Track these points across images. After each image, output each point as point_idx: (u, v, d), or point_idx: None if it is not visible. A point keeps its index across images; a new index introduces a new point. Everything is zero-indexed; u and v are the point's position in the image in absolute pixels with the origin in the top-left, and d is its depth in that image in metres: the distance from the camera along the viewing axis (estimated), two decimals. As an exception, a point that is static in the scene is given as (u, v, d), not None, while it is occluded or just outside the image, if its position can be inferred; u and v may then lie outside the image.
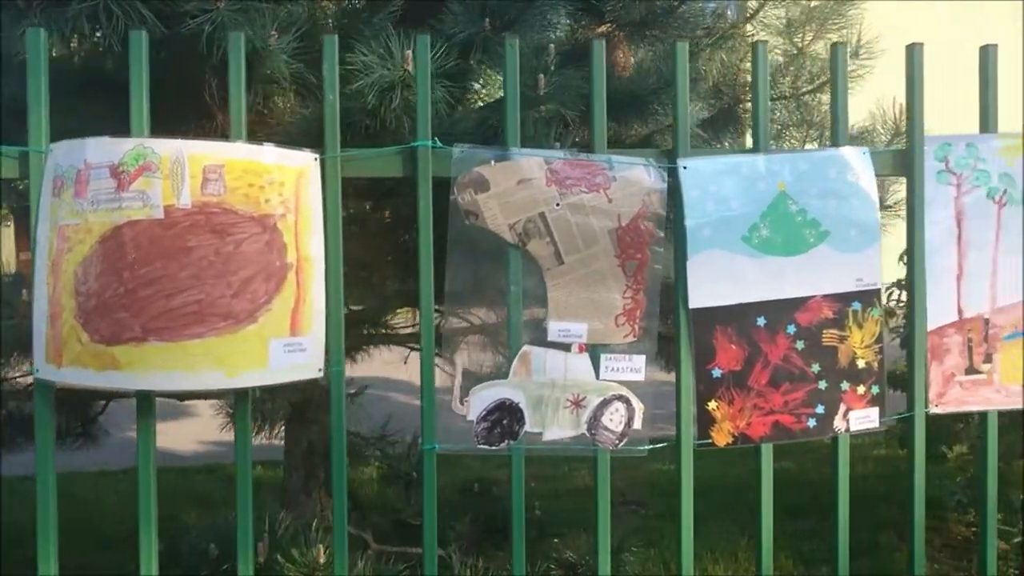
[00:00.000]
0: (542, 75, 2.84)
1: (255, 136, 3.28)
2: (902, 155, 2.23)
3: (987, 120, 2.26)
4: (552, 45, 3.31)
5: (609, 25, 4.17)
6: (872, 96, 3.73)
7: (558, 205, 2.04)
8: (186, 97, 2.99)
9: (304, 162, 1.94)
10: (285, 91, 3.20)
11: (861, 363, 2.18)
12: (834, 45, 2.27)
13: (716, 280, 2.10)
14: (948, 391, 2.23)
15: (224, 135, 2.28)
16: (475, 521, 4.06)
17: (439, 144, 2.03)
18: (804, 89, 4.23)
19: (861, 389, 2.18)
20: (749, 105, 4.40)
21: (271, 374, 1.88)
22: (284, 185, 1.88)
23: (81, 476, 4.95)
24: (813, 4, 4.55)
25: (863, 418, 2.19)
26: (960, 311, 2.22)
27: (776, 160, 2.13)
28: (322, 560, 2.59)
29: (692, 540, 2.15)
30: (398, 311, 4.02)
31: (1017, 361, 2.25)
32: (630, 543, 3.54)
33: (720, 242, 2.10)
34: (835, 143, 2.18)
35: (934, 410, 2.23)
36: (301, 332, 1.91)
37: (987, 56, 2.27)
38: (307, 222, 1.93)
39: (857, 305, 2.16)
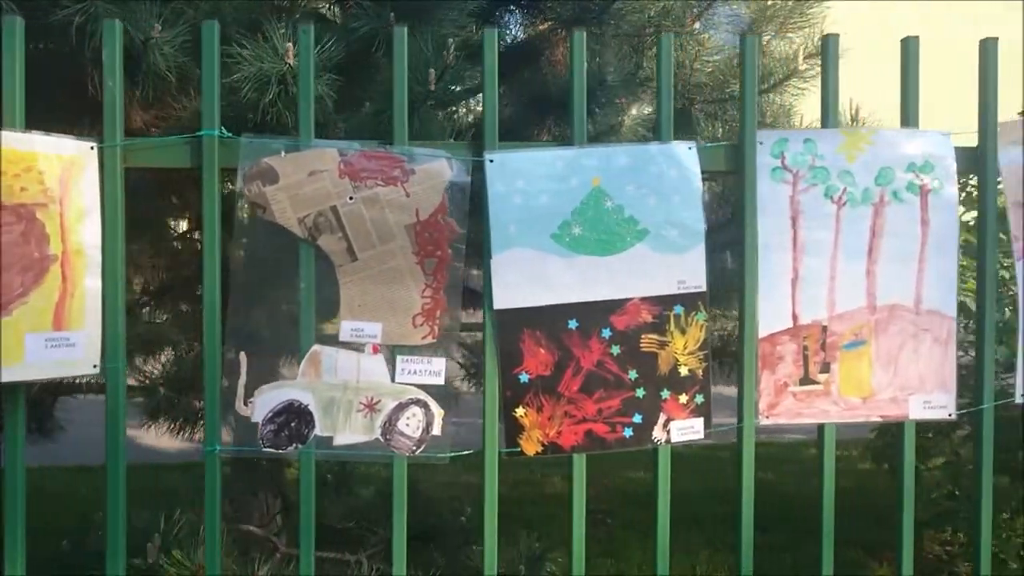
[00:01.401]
0: (432, 70, 2.76)
1: (154, 130, 3.23)
2: (734, 150, 2.10)
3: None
4: (451, 40, 3.23)
5: (551, 22, 4.08)
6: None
7: (351, 199, 1.94)
8: (74, 91, 2.95)
9: (76, 151, 1.86)
10: (173, 85, 3.15)
11: (684, 370, 2.05)
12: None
13: (523, 280, 1.99)
14: (781, 402, 2.10)
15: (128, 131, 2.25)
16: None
17: (226, 133, 1.95)
18: (760, 88, 4.10)
19: (684, 398, 2.06)
20: (705, 106, 4.28)
21: (29, 369, 1.80)
22: (46, 174, 1.80)
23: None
24: (770, 2, 4.43)
25: (686, 429, 2.07)
26: (795, 317, 2.09)
27: (592, 154, 2.02)
28: (203, 562, 2.52)
29: (495, 551, 2.04)
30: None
31: (857, 371, 2.11)
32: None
33: (528, 240, 1.99)
34: (658, 136, 2.06)
35: (764, 422, 2.10)
36: (68, 327, 1.83)
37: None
38: (77, 213, 1.85)
39: (679, 309, 2.04)
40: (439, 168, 1.97)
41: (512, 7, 4.04)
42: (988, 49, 2.16)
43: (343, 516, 3.91)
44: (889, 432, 3.99)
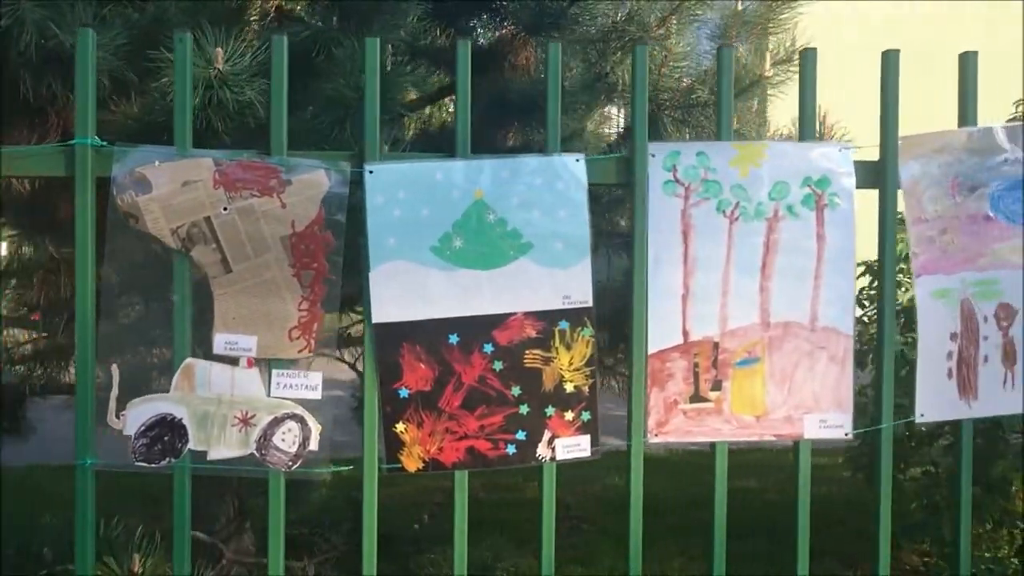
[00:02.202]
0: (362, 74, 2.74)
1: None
2: (625, 162, 2.06)
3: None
4: (389, 45, 3.20)
5: (513, 27, 4.05)
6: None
7: (226, 209, 1.91)
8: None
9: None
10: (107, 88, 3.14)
11: (570, 387, 2.01)
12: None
13: (402, 293, 1.95)
14: (670, 420, 2.06)
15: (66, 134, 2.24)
16: (354, 533, 3.95)
17: (100, 142, 1.92)
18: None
19: (569, 415, 2.02)
20: (673, 112, 4.24)
21: None
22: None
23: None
24: (741, 6, 4.39)
25: (572, 447, 2.03)
26: (686, 333, 2.05)
27: (475, 166, 1.98)
28: (137, 569, 2.50)
29: (375, 560, 2.01)
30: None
31: (750, 389, 2.07)
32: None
33: (407, 253, 1.95)
34: (547, 148, 2.03)
35: (653, 440, 2.06)
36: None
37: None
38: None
39: (565, 324, 2.00)
40: (317, 179, 1.94)
41: (471, 12, 4.01)
42: (890, 61, 2.12)
43: (297, 522, 3.88)
44: (866, 440, 3.94)
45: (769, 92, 4.40)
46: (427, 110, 4.81)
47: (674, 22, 4.27)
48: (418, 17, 3.55)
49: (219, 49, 2.28)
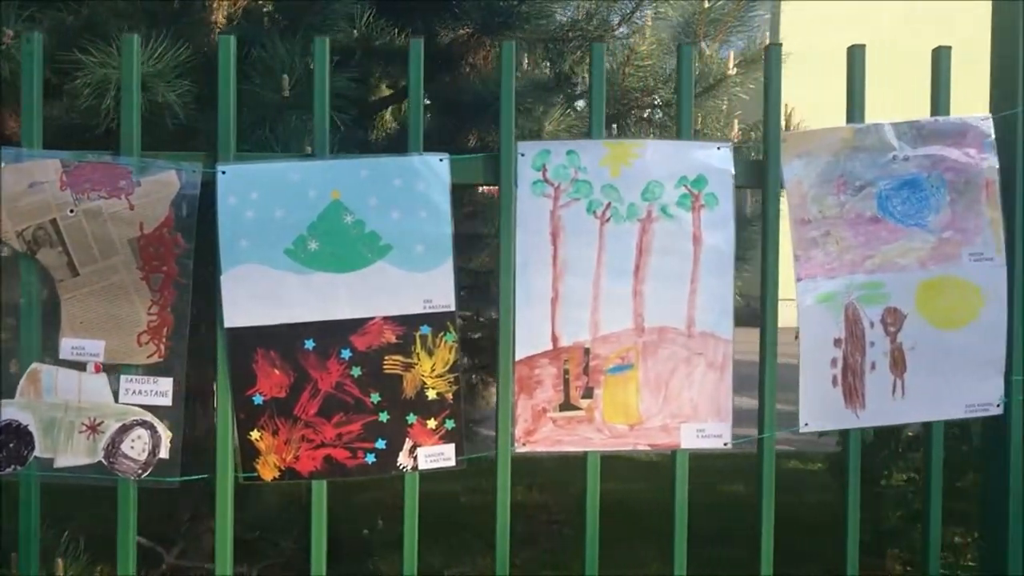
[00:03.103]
0: (286, 75, 2.69)
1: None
2: (494, 161, 2.00)
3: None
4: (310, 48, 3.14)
5: (468, 27, 3.99)
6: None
7: (72, 211, 1.87)
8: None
9: None
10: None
11: (432, 394, 1.95)
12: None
13: (255, 297, 1.90)
14: (539, 428, 1.98)
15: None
16: (302, 537, 3.90)
17: (-53, 143, 1.88)
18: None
19: (432, 423, 1.95)
20: (637, 111, 4.17)
21: None
22: None
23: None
24: (707, 4, 4.31)
25: (435, 456, 1.96)
26: (555, 339, 1.98)
27: (332, 166, 1.92)
28: (60, 574, 2.47)
29: (231, 564, 1.95)
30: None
31: (624, 397, 1.99)
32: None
33: (260, 255, 1.90)
34: (415, 148, 1.96)
35: (521, 449, 1.98)
36: None
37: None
38: None
39: (426, 329, 1.94)
40: (167, 179, 1.89)
41: (425, 12, 3.95)
42: (772, 56, 2.04)
43: (249, 526, 3.84)
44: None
45: (732, 91, 4.32)
46: (387, 112, 4.77)
47: (636, 21, 4.20)
48: (372, 17, 3.51)
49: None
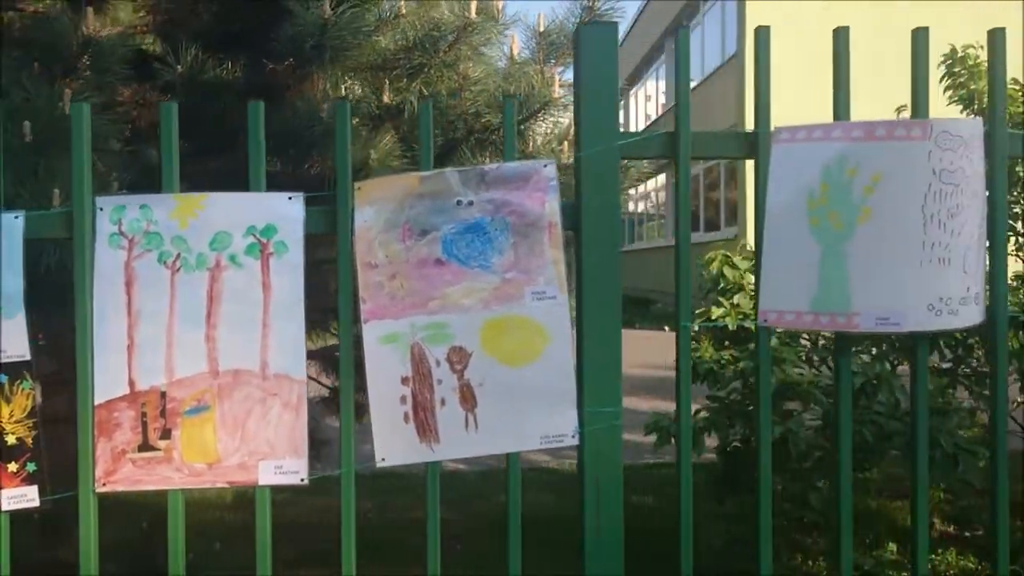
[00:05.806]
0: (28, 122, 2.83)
1: None
2: (70, 217, 2.10)
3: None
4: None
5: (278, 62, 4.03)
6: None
7: None
8: None
9: None
10: None
11: (12, 439, 2.06)
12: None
13: None
14: (119, 468, 2.09)
15: None
16: (138, 561, 4.02)
17: None
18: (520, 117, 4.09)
19: (13, 467, 2.06)
20: (473, 136, 4.26)
21: None
22: None
23: None
24: (543, 28, 4.41)
25: (19, 497, 2.07)
26: (132, 383, 2.08)
27: (-92, 226, 2.04)
28: None
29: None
30: None
31: (201, 437, 2.09)
32: None
33: None
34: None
35: (102, 489, 2.09)
36: None
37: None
38: None
39: (3, 378, 2.05)
40: None
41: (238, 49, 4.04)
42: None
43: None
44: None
45: (554, 114, 4.41)
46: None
47: (462, 48, 4.28)
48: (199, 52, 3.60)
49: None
